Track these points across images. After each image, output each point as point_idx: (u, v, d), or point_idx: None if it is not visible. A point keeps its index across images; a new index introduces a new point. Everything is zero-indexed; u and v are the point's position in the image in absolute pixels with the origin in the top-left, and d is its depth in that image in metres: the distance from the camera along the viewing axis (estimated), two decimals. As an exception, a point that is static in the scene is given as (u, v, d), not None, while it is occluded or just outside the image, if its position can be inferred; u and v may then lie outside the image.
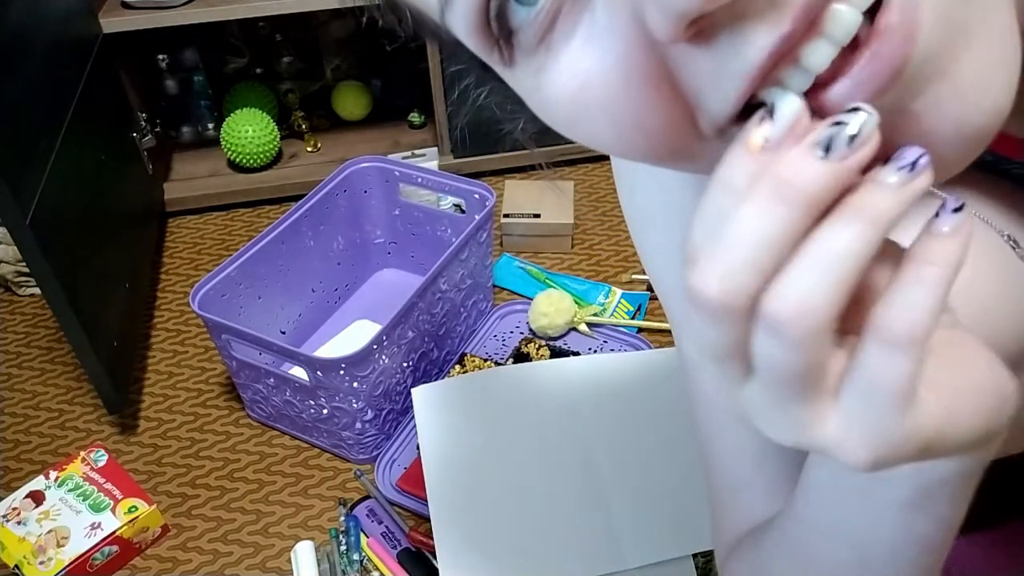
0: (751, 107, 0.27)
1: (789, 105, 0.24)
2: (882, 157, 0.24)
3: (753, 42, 0.25)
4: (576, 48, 0.28)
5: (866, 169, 0.24)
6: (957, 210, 0.25)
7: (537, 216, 1.24)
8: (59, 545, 0.86)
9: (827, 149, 0.23)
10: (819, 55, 0.25)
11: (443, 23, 0.31)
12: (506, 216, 1.23)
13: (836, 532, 0.39)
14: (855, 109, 0.24)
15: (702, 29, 0.25)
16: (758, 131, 0.24)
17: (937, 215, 0.25)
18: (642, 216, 0.58)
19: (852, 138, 0.23)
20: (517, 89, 0.32)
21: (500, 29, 0.29)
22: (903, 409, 0.25)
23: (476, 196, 1.06)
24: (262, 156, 1.38)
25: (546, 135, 0.36)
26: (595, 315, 1.11)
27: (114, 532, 0.86)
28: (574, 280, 1.19)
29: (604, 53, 0.27)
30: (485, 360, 1.04)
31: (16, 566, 0.85)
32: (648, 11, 0.24)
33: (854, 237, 0.23)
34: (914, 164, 0.24)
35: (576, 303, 1.11)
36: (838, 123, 0.24)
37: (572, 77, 0.28)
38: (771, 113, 0.24)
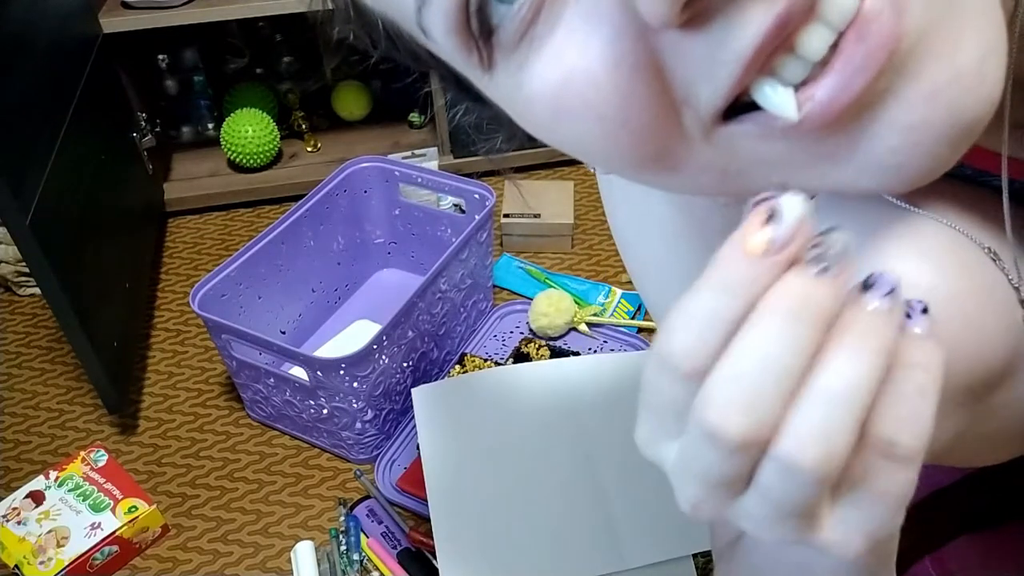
0: (736, 108, 0.26)
1: (793, 206, 0.23)
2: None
3: (749, 23, 0.24)
4: (559, 40, 0.27)
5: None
6: (925, 310, 0.25)
7: (537, 216, 1.24)
8: (59, 545, 0.86)
9: (824, 267, 0.23)
10: (816, 41, 0.24)
11: (419, 25, 0.29)
12: (506, 216, 1.23)
13: (786, 562, 0.39)
14: (830, 230, 0.24)
15: (696, 13, 0.24)
16: (760, 233, 0.23)
17: (909, 316, 0.25)
18: (625, 232, 0.58)
19: (840, 255, 0.23)
20: (495, 98, 0.31)
21: (480, 26, 0.28)
22: (902, 508, 0.25)
23: (476, 196, 1.06)
24: (262, 156, 1.38)
25: (523, 150, 0.36)
26: (595, 315, 1.11)
27: (114, 532, 0.86)
28: (574, 280, 1.19)
29: (589, 42, 0.26)
30: (485, 360, 1.04)
31: (16, 566, 0.85)
32: None
33: (866, 367, 0.23)
34: (893, 289, 0.24)
35: (576, 303, 1.11)
36: (817, 244, 0.23)
37: (555, 72, 0.27)
38: (774, 213, 0.23)
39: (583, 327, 1.09)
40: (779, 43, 0.24)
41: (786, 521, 0.25)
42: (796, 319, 0.23)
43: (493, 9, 0.27)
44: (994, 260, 0.43)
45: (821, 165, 0.27)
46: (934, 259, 0.41)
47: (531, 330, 1.10)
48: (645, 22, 0.24)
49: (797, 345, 0.23)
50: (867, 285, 0.24)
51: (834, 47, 0.24)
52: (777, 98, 0.25)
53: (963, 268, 0.41)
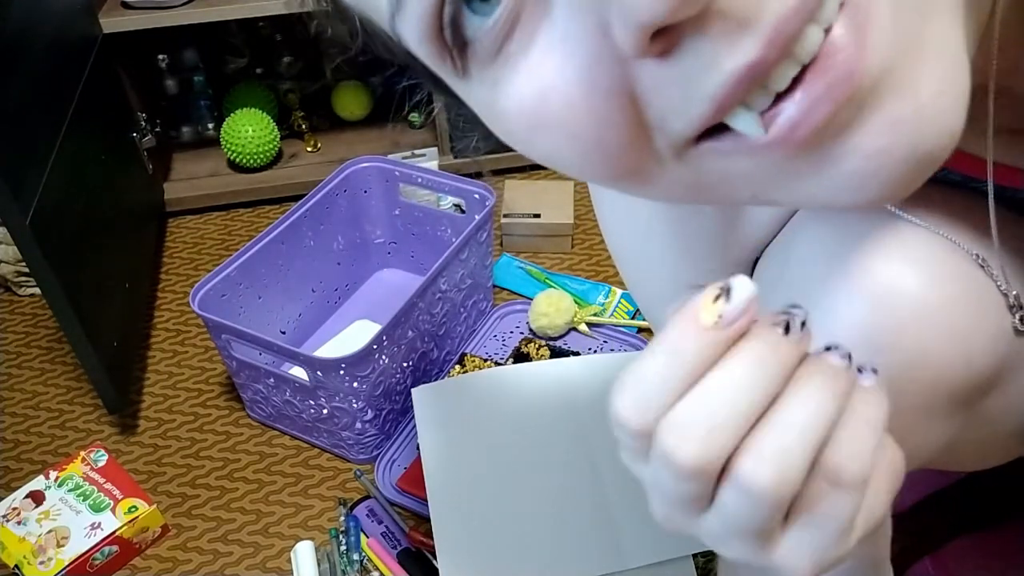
0: (709, 129, 0.27)
1: (743, 288, 0.26)
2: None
3: (721, 66, 0.24)
4: (535, 58, 0.27)
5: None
6: (874, 371, 0.28)
7: (537, 216, 1.24)
8: (59, 545, 0.86)
9: (788, 330, 0.26)
10: (784, 77, 0.25)
11: (393, 31, 0.29)
12: (506, 216, 1.23)
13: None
14: (794, 307, 0.27)
15: (669, 45, 0.24)
16: (712, 308, 0.26)
17: (860, 371, 0.28)
18: (614, 237, 0.59)
19: (802, 324, 0.27)
20: (470, 103, 0.31)
21: (454, 38, 0.28)
22: (849, 535, 0.28)
23: (476, 196, 1.06)
24: (262, 156, 1.38)
25: (501, 150, 0.36)
26: (595, 315, 1.11)
27: (114, 532, 0.86)
28: (574, 280, 1.19)
29: (565, 64, 0.26)
30: (485, 360, 1.04)
31: (16, 566, 0.85)
32: (613, 21, 0.24)
33: (825, 407, 0.26)
34: (848, 355, 0.28)
35: (576, 303, 1.11)
36: (786, 312, 0.27)
37: (530, 89, 0.27)
38: (725, 292, 0.26)
39: (583, 327, 1.09)
40: (755, 83, 0.25)
41: (743, 540, 0.28)
42: (761, 364, 0.26)
43: (467, 21, 0.27)
44: (983, 267, 0.43)
45: (788, 182, 0.28)
46: (922, 267, 0.41)
47: (531, 330, 1.10)
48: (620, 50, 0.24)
49: (759, 386, 0.26)
50: (828, 348, 0.28)
51: (799, 77, 0.25)
52: (743, 123, 0.26)
53: (951, 276, 0.41)
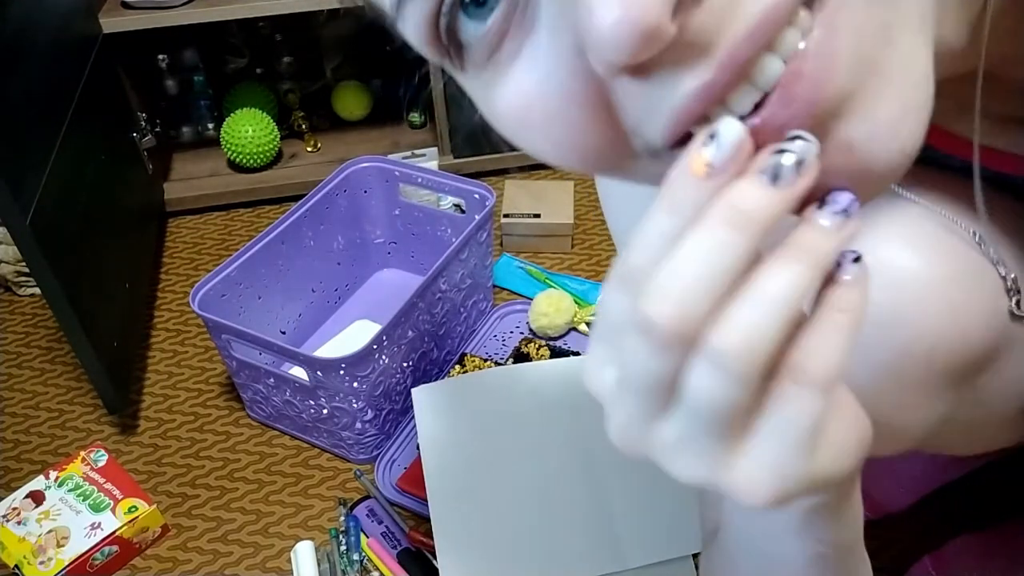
0: (687, 136, 0.27)
1: (731, 131, 0.25)
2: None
3: (681, 86, 0.26)
4: (521, 69, 0.29)
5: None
6: (857, 260, 0.26)
7: (537, 216, 1.24)
8: (59, 545, 0.86)
9: (774, 176, 0.24)
10: (744, 101, 0.26)
11: (396, 31, 0.32)
12: (506, 216, 1.23)
13: (752, 550, 0.41)
14: (796, 137, 0.25)
15: (640, 68, 0.26)
16: (700, 155, 0.25)
17: (839, 265, 0.26)
18: (612, 209, 0.62)
19: (796, 165, 0.24)
20: (470, 93, 0.34)
21: (450, 43, 0.30)
22: (811, 449, 0.26)
23: (476, 196, 1.06)
24: (262, 156, 1.38)
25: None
26: (595, 315, 1.10)
27: (114, 532, 0.86)
28: (574, 280, 1.19)
29: (546, 78, 0.28)
30: (485, 360, 1.04)
31: (16, 566, 0.85)
32: (588, 49, 0.25)
33: (798, 276, 0.24)
34: (846, 209, 0.26)
35: (576, 303, 1.11)
36: (780, 151, 0.24)
37: (516, 97, 0.30)
38: (713, 136, 0.25)
39: (583, 327, 1.09)
40: (710, 103, 0.26)
41: (704, 446, 0.27)
42: (731, 224, 0.24)
43: (463, 26, 0.30)
44: (980, 245, 0.43)
45: None
46: (920, 245, 0.43)
47: (531, 330, 1.10)
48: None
49: (731, 249, 0.24)
50: (823, 202, 0.26)
51: (762, 103, 0.26)
52: (728, 133, 0.26)
53: (948, 254, 0.43)
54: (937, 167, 0.47)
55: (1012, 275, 0.44)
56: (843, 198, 0.26)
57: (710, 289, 0.24)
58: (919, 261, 0.42)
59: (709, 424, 0.26)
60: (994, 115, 0.40)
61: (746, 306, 0.25)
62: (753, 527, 0.39)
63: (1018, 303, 0.44)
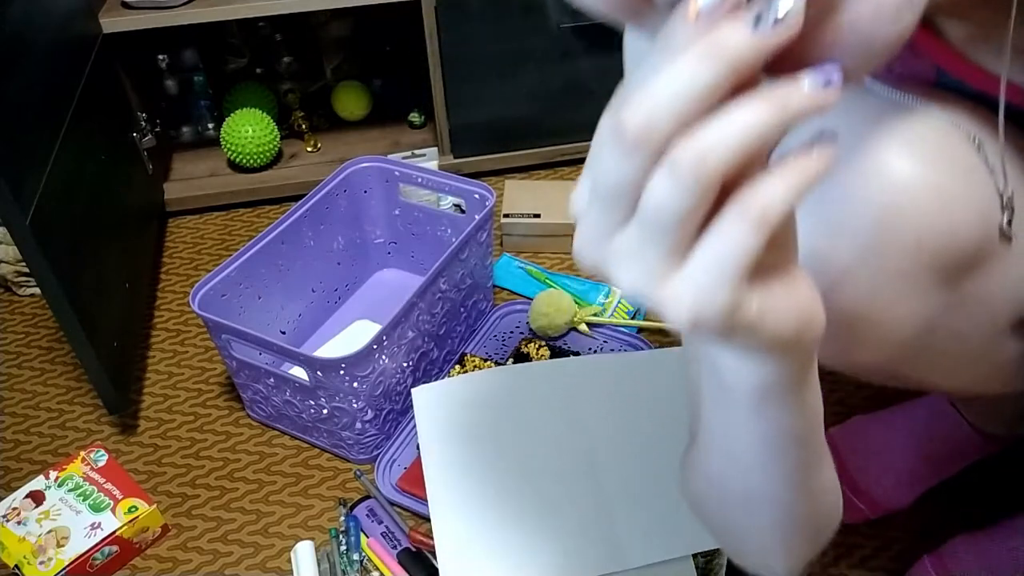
0: None
1: None
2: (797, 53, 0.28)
3: None
4: None
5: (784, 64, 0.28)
6: (829, 139, 0.29)
7: (537, 216, 1.24)
8: (59, 545, 0.86)
9: (755, 23, 0.26)
10: None
11: None
12: (506, 216, 1.23)
13: (719, 445, 0.44)
14: None
15: None
16: (695, 2, 0.27)
17: (813, 143, 0.28)
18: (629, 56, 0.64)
19: (778, 20, 0.26)
20: None
21: None
22: (735, 280, 0.28)
23: (476, 196, 1.06)
24: (262, 156, 1.38)
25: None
26: (595, 315, 1.11)
27: (114, 532, 0.86)
28: (574, 280, 1.19)
29: None
30: (485, 360, 1.04)
31: (16, 566, 0.85)
32: None
33: (763, 116, 0.27)
34: (830, 80, 0.27)
35: (576, 303, 1.11)
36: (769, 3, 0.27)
37: None
38: None
39: (583, 327, 1.09)
40: None
41: (648, 256, 0.29)
42: (705, 56, 0.26)
43: None
44: (978, 149, 0.45)
45: None
46: (919, 149, 0.44)
47: (531, 330, 1.10)
48: None
49: (702, 77, 0.26)
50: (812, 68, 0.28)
51: None
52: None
53: (946, 155, 0.46)
54: (949, 89, 0.49)
55: (1010, 192, 0.45)
56: (830, 69, 0.27)
57: (676, 108, 0.27)
58: (916, 165, 0.43)
59: (656, 234, 0.28)
60: (1015, 48, 0.42)
61: (708, 129, 0.27)
62: (717, 416, 0.42)
63: (1009, 221, 0.45)
